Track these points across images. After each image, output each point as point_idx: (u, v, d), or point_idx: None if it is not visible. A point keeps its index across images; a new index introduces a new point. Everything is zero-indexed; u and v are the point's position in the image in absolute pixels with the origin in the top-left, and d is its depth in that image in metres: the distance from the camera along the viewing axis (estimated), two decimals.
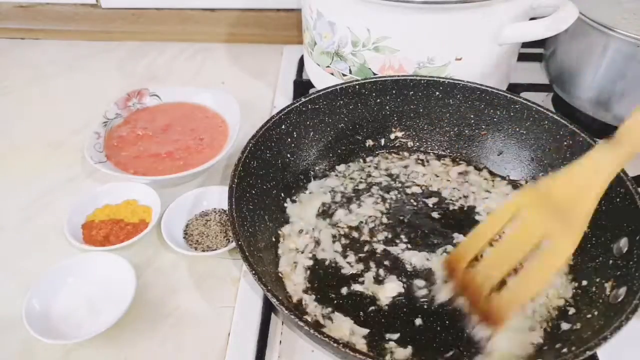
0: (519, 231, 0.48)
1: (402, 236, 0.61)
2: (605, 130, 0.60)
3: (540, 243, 0.46)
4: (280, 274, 0.57)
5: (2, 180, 0.74)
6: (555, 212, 0.45)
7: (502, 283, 0.48)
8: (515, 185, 0.67)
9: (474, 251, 0.50)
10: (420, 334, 0.52)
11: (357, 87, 0.67)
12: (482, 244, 0.50)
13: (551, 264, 0.46)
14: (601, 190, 0.45)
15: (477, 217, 0.63)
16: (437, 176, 0.69)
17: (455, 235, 0.61)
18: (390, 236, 0.61)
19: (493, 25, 0.66)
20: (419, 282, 0.56)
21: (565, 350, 0.47)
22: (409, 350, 0.50)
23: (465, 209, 0.65)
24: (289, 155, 0.66)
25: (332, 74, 0.76)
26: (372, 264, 0.58)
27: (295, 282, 0.56)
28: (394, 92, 0.69)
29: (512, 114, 0.66)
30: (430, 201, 0.66)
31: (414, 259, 0.58)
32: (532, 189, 0.48)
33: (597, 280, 0.52)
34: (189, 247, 0.62)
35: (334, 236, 0.61)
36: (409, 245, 0.60)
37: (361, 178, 0.69)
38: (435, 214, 0.64)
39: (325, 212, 0.64)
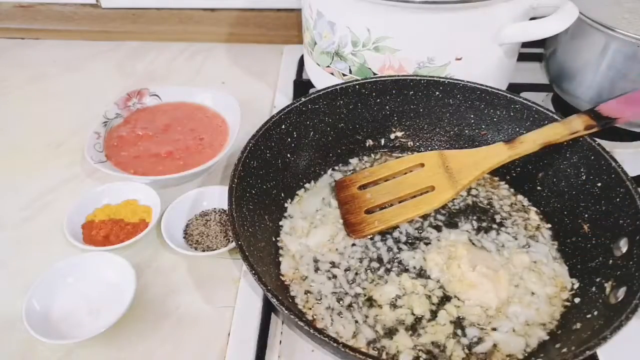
0: (415, 175, 0.63)
1: (401, 237, 0.61)
2: (604, 130, 0.60)
3: (426, 190, 0.61)
4: (280, 274, 0.57)
5: (2, 180, 0.74)
6: (448, 173, 0.61)
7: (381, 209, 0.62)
8: (514, 185, 0.67)
9: (371, 178, 0.64)
10: (421, 334, 0.52)
11: (357, 87, 0.67)
12: (380, 176, 0.64)
13: (426, 205, 0.61)
14: (486, 171, 0.61)
15: (475, 217, 0.64)
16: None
17: (455, 231, 0.61)
18: (389, 236, 0.61)
19: (493, 25, 0.66)
20: (418, 282, 0.56)
21: (565, 350, 0.47)
22: (409, 350, 0.50)
23: (464, 208, 0.65)
24: (289, 155, 0.66)
25: (332, 74, 0.76)
26: (371, 265, 0.58)
27: (296, 282, 0.56)
28: (394, 92, 0.69)
29: (512, 114, 0.66)
30: None
31: (411, 261, 0.58)
32: (437, 152, 0.63)
33: (597, 280, 0.52)
34: (189, 247, 0.62)
35: (333, 237, 0.61)
36: (408, 246, 0.60)
37: None
38: (434, 214, 0.64)
39: (324, 211, 0.64)
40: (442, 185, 0.61)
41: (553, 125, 0.61)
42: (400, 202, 0.62)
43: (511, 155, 0.60)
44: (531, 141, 0.60)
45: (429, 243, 0.60)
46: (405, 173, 0.64)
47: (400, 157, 0.71)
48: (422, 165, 0.64)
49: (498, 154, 0.61)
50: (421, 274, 0.57)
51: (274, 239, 0.60)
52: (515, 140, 0.61)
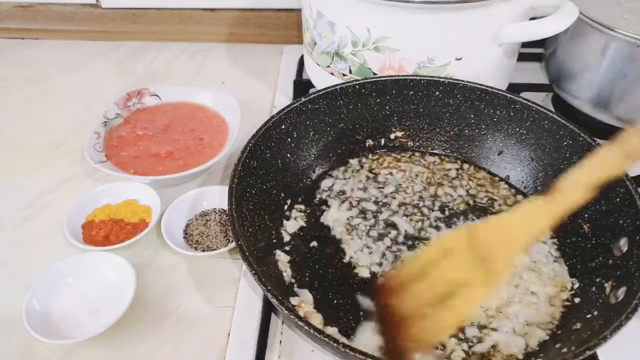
0: (444, 272, 0.45)
1: (401, 237, 0.61)
2: (605, 131, 0.60)
3: (461, 284, 0.44)
4: (281, 274, 0.57)
5: (2, 180, 0.74)
6: (480, 259, 0.44)
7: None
8: (514, 185, 0.67)
9: (410, 279, 0.46)
10: None
11: (357, 87, 0.67)
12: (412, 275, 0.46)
13: (462, 309, 0.44)
14: (528, 244, 0.44)
15: (475, 217, 0.64)
16: (436, 175, 0.69)
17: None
18: (389, 238, 0.61)
19: (493, 25, 0.66)
20: None
21: (565, 350, 0.47)
22: None
23: (464, 208, 0.65)
24: (289, 155, 0.66)
25: (332, 74, 0.76)
26: (371, 265, 0.58)
27: (296, 282, 0.56)
28: (394, 92, 0.69)
29: (512, 114, 0.66)
30: (429, 201, 0.66)
31: None
32: (466, 229, 0.46)
33: (597, 280, 0.52)
34: (189, 247, 0.62)
35: (333, 236, 0.61)
36: (408, 246, 0.60)
37: (360, 179, 0.69)
38: (433, 214, 0.64)
39: (324, 211, 0.64)
40: (475, 282, 0.44)
41: (602, 150, 0.43)
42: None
43: (551, 215, 0.43)
44: (575, 185, 0.42)
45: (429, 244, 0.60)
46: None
47: (400, 157, 0.71)
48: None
49: (536, 218, 0.44)
50: None
51: (274, 239, 0.60)
52: (554, 190, 0.43)
